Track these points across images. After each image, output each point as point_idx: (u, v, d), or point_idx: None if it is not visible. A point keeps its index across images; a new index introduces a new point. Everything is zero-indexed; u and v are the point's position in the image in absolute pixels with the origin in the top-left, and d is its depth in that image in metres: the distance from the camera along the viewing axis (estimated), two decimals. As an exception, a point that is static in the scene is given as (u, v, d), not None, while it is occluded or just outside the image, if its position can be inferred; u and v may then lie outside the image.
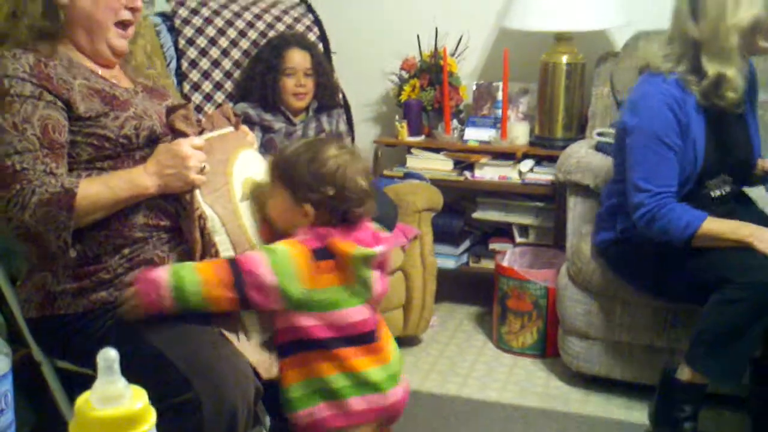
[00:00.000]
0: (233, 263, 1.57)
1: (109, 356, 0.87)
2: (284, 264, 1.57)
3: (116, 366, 0.88)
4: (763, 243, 2.09)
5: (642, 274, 2.33)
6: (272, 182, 1.67)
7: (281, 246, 1.60)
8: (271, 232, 1.71)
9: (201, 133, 1.70)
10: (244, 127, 1.83)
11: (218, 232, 1.61)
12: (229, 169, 1.68)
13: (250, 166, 1.74)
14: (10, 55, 1.63)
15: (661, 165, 2.17)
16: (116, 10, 1.71)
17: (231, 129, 1.78)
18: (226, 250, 1.61)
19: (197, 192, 1.61)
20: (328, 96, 2.91)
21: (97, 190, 1.58)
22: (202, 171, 1.62)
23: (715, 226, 2.13)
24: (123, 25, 1.74)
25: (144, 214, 1.65)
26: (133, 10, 1.74)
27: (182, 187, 1.62)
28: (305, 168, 1.63)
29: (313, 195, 1.62)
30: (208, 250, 1.61)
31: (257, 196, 1.72)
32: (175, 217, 1.67)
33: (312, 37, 3.09)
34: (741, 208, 2.32)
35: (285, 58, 2.81)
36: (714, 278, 2.09)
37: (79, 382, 1.61)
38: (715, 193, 2.26)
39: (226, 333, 1.59)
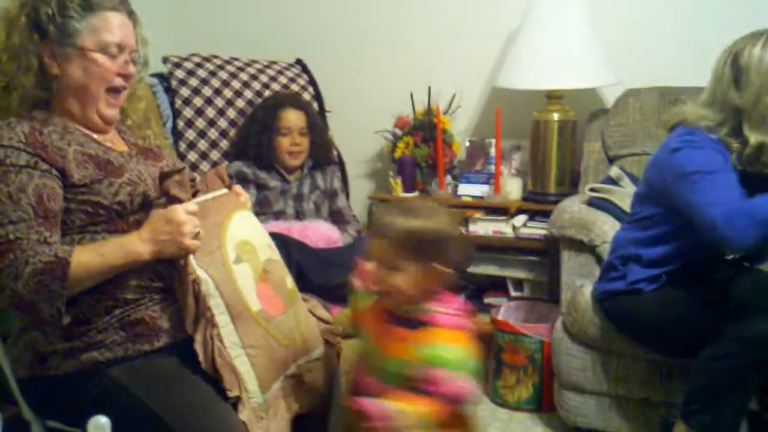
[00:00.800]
0: (446, 401, 1.53)
1: (99, 424, 0.86)
2: (472, 369, 1.56)
3: None
4: None
5: (641, 327, 2.33)
6: (393, 259, 1.60)
7: (460, 355, 1.56)
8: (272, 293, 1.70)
9: (195, 194, 1.71)
10: (238, 188, 1.84)
11: (213, 295, 1.60)
12: (224, 232, 1.68)
13: (244, 227, 1.74)
14: (5, 125, 1.64)
15: (725, 188, 2.09)
16: (108, 79, 1.73)
17: (225, 190, 1.79)
18: (221, 314, 1.61)
19: (191, 256, 1.62)
20: (322, 154, 2.96)
21: (90, 258, 1.58)
22: (196, 236, 1.62)
23: None
24: (115, 91, 1.76)
25: (137, 276, 1.65)
26: (125, 76, 1.76)
27: (177, 253, 1.62)
28: (428, 230, 1.60)
29: (441, 253, 1.61)
30: (203, 315, 1.60)
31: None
32: (168, 279, 1.67)
33: (307, 96, 3.16)
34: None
35: (280, 118, 2.87)
36: (708, 332, 2.09)
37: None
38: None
39: (229, 393, 1.58)
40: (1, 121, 1.66)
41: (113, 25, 1.71)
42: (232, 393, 1.57)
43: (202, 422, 1.52)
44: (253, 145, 2.88)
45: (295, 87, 3.16)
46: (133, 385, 1.58)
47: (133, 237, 1.62)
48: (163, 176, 1.70)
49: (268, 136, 2.87)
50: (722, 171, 2.13)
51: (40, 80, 1.70)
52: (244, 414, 1.57)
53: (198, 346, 1.59)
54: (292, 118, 2.88)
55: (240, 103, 3.05)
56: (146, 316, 1.65)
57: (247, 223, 1.76)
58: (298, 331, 1.73)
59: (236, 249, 1.68)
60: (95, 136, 1.75)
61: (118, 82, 1.74)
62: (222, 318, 1.60)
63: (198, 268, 1.61)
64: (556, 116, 3.03)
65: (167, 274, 1.67)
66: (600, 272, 2.48)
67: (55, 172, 1.62)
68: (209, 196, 1.73)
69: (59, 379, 1.63)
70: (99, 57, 1.70)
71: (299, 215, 2.87)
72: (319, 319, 1.86)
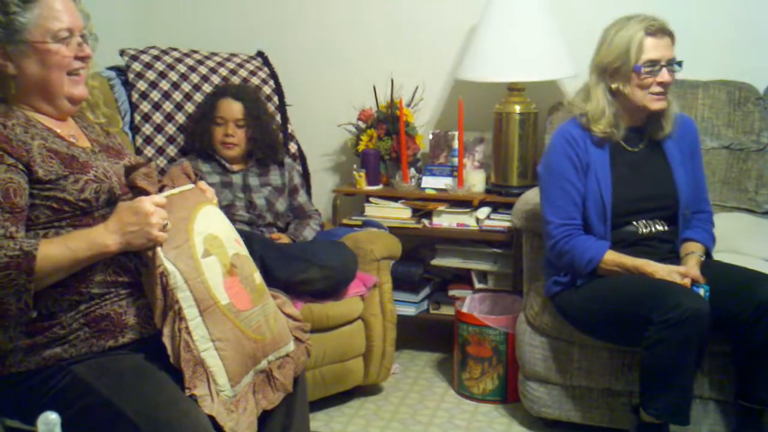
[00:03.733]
0: None
1: (49, 420, 0.85)
2: None
3: (57, 430, 0.85)
4: (660, 271, 2.24)
5: (584, 319, 2.38)
6: None
7: None
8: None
9: (161, 190, 1.70)
10: (203, 184, 1.83)
11: (181, 288, 1.60)
12: (191, 226, 1.67)
13: (212, 222, 1.73)
14: None
15: (563, 199, 2.38)
16: (67, 65, 1.70)
17: (191, 186, 1.78)
18: (189, 306, 1.60)
19: (159, 249, 1.61)
20: (264, 150, 2.88)
21: (57, 251, 1.56)
22: (164, 228, 1.61)
23: (615, 258, 2.31)
24: (76, 73, 1.73)
25: (102, 271, 1.63)
26: (83, 58, 1.73)
27: (144, 245, 1.61)
28: None
29: None
30: (171, 307, 1.59)
31: None
32: (134, 273, 1.66)
33: (267, 89, 3.12)
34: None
35: (216, 107, 2.84)
36: (639, 319, 2.15)
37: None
38: (643, 230, 2.38)
39: (196, 391, 1.57)
40: None
41: (58, 11, 1.67)
42: (189, 392, 1.56)
43: (167, 418, 1.51)
44: (192, 134, 2.87)
45: (255, 80, 3.12)
46: (97, 382, 1.56)
47: (100, 229, 1.61)
48: (130, 169, 1.67)
49: (203, 125, 2.85)
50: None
51: None
52: (213, 407, 1.56)
53: (166, 340, 1.58)
54: (227, 108, 2.84)
55: (198, 97, 3.01)
56: (111, 312, 1.63)
57: (214, 218, 1.76)
58: (267, 326, 1.73)
59: (204, 243, 1.67)
60: (58, 130, 1.72)
61: (77, 65, 1.72)
62: (190, 311, 1.59)
63: (166, 260, 1.60)
64: (517, 109, 3.05)
65: (133, 268, 1.66)
66: (545, 269, 2.53)
67: (20, 166, 1.59)
68: (175, 190, 1.72)
69: (21, 377, 1.60)
70: (53, 46, 1.66)
71: (250, 209, 2.82)
72: (288, 316, 1.86)
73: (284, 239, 2.81)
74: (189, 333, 1.58)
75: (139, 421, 1.50)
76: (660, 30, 2.32)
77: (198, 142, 2.85)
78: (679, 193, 2.39)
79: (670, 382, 2.13)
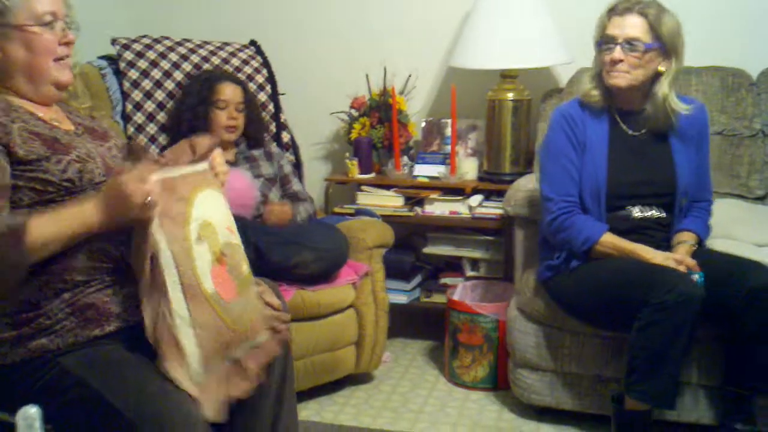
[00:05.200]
0: None
1: (28, 415, 0.85)
2: None
3: (37, 424, 0.85)
4: (656, 257, 2.25)
5: (578, 304, 2.38)
6: None
7: None
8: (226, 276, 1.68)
9: (163, 168, 1.65)
10: (219, 160, 1.77)
11: (169, 268, 1.58)
12: (189, 210, 1.65)
13: (208, 207, 1.70)
14: None
15: (561, 176, 2.38)
16: (53, 50, 1.70)
17: (200, 166, 1.73)
18: (175, 289, 1.58)
19: (153, 228, 1.58)
20: (256, 132, 2.89)
21: (44, 222, 1.56)
22: (149, 206, 1.57)
23: (613, 240, 2.32)
24: (61, 59, 1.73)
25: (86, 256, 1.63)
26: (67, 44, 1.73)
27: (125, 222, 1.59)
28: None
29: None
30: (156, 286, 1.57)
31: None
32: (117, 260, 1.65)
33: (260, 78, 3.11)
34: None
35: (218, 91, 2.79)
36: (634, 302, 2.15)
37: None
38: (637, 215, 2.37)
39: (174, 373, 1.56)
40: None
41: None
42: (165, 371, 1.56)
43: (158, 410, 1.50)
44: (187, 120, 2.79)
45: (248, 69, 3.11)
46: (86, 374, 1.55)
47: (90, 203, 1.59)
48: (130, 149, 1.68)
49: (204, 109, 2.78)
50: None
51: None
52: (192, 391, 1.56)
53: (146, 315, 1.57)
54: (229, 91, 2.80)
55: (192, 86, 3.00)
56: (96, 300, 1.62)
57: (211, 203, 1.72)
58: (247, 316, 1.72)
59: (199, 229, 1.65)
60: (40, 114, 1.72)
61: (62, 51, 1.72)
62: (175, 293, 1.58)
63: (160, 240, 1.58)
64: (510, 96, 3.05)
65: (117, 255, 1.65)
66: (539, 254, 2.53)
67: (0, 147, 1.59)
68: (176, 172, 1.68)
69: (7, 369, 1.59)
70: (38, 29, 1.67)
71: None
72: (268, 305, 1.84)
73: (286, 206, 2.79)
74: (171, 313, 1.57)
75: (129, 412, 1.49)
76: (626, 9, 2.32)
77: (201, 128, 2.75)
78: (678, 179, 2.38)
79: (658, 366, 2.13)
